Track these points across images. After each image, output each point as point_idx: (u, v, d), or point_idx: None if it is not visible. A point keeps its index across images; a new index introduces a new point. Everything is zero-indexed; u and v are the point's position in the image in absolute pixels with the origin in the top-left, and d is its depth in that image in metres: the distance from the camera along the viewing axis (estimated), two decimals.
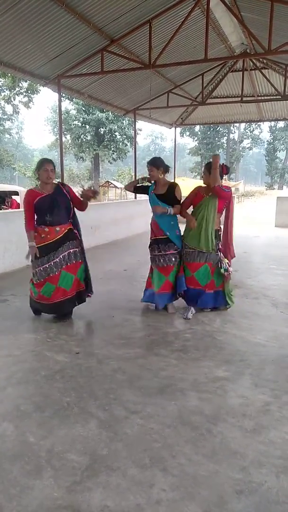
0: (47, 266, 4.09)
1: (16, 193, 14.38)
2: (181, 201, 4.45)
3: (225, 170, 4.40)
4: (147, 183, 4.57)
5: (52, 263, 4.10)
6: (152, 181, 4.53)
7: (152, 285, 4.63)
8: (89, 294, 4.46)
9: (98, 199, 4.12)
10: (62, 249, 4.13)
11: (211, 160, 4.26)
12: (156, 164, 4.41)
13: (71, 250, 4.18)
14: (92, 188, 4.30)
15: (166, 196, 4.42)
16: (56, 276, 4.11)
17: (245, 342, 3.72)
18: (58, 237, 4.11)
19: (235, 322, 4.25)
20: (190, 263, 4.39)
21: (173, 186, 4.46)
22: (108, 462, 2.12)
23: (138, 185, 4.63)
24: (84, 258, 4.35)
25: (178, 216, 4.47)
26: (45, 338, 3.81)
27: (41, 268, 4.11)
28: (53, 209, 4.08)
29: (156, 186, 4.50)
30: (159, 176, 4.43)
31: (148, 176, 4.51)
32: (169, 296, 4.53)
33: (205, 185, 4.41)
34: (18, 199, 13.93)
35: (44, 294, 4.16)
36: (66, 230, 4.17)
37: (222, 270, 4.36)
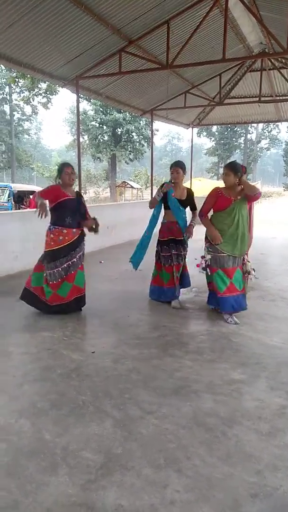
0: (66, 266, 4.22)
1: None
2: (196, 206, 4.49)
3: (244, 170, 4.26)
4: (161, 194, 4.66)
5: (71, 263, 4.26)
6: (170, 184, 4.61)
7: (163, 282, 4.80)
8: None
9: (95, 230, 4.46)
10: (80, 249, 4.35)
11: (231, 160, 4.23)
12: (181, 166, 4.62)
13: (82, 252, 4.42)
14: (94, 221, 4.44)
15: (186, 201, 4.66)
16: (72, 274, 4.29)
17: (261, 345, 3.69)
18: (75, 238, 4.30)
19: (251, 324, 4.21)
20: (227, 268, 4.18)
21: (191, 193, 4.73)
22: (122, 461, 2.13)
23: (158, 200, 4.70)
24: None
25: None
26: (61, 336, 3.85)
27: (60, 269, 4.23)
28: (75, 212, 4.28)
29: (176, 189, 4.61)
30: (182, 178, 4.63)
31: (163, 189, 4.60)
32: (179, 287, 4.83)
33: (226, 187, 4.21)
34: None
35: (59, 294, 4.28)
36: (80, 232, 4.40)
37: (250, 273, 4.34)
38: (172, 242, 4.66)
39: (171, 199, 4.57)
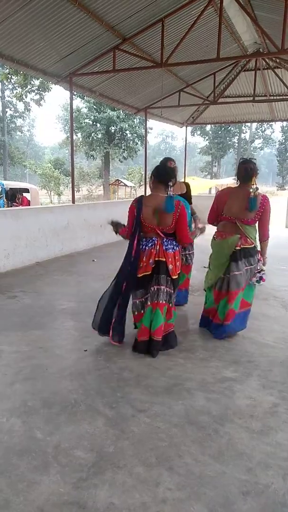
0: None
1: (27, 191, 14.45)
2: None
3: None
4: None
5: None
6: None
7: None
8: None
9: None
10: None
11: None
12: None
13: None
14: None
15: (185, 196, 4.33)
16: None
17: (253, 343, 3.70)
18: None
19: None
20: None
21: (188, 185, 4.51)
22: (114, 460, 2.13)
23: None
24: None
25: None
26: (53, 335, 3.83)
27: None
28: None
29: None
30: None
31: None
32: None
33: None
34: (28, 196, 14.02)
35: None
36: None
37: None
38: None
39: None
